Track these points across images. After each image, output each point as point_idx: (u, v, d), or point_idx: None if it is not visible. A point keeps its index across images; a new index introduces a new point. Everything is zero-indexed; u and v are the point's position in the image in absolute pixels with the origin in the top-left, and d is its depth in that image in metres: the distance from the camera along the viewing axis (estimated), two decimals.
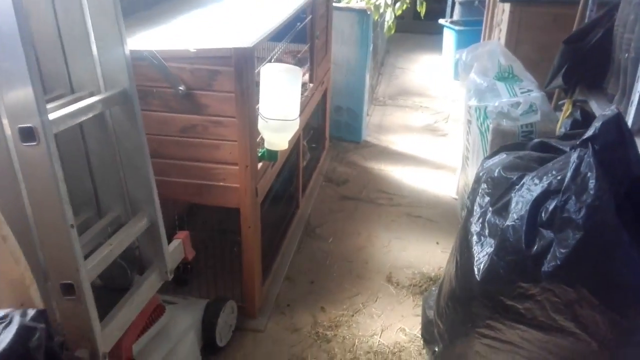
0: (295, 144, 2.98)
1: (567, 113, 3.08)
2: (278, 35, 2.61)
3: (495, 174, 1.88)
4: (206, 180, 2.25)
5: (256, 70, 2.21)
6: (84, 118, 1.54)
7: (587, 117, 2.84)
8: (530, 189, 1.68)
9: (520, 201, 1.68)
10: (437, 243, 3.08)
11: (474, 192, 1.96)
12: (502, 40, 4.03)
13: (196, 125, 2.17)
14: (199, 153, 2.21)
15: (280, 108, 2.19)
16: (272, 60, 2.59)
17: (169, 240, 2.00)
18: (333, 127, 4.25)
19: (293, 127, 2.27)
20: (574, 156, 1.59)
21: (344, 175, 3.81)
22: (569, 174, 1.57)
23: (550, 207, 1.59)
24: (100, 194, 1.83)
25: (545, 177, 1.67)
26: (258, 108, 2.21)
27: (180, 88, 2.08)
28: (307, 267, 2.88)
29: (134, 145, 1.74)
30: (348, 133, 4.33)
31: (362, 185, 3.69)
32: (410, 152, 4.20)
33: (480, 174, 1.97)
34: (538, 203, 1.63)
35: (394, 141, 4.37)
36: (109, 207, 1.85)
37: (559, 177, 1.62)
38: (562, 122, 3.00)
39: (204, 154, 2.21)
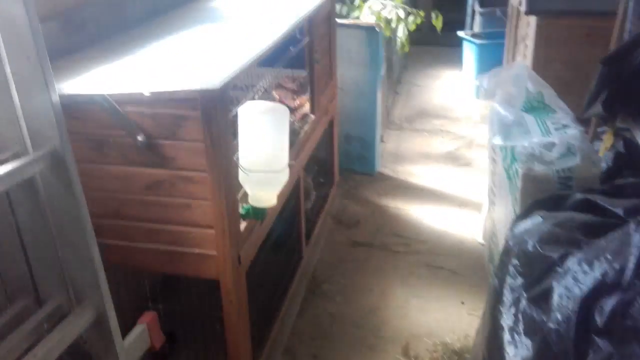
0: (295, 185, 2.59)
1: (609, 144, 2.67)
2: (269, 60, 2.24)
3: (530, 248, 1.46)
4: (177, 246, 1.87)
5: (233, 112, 1.84)
6: None
7: (632, 149, 2.44)
8: (577, 278, 1.26)
9: (565, 295, 1.26)
10: (463, 303, 2.64)
11: (502, 267, 1.55)
12: (529, 57, 3.63)
13: (162, 181, 1.79)
14: (167, 214, 1.84)
15: (263, 157, 1.82)
16: (261, 92, 2.22)
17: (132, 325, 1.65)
18: (343, 158, 3.79)
19: (281, 179, 1.90)
20: (636, 238, 1.18)
21: (356, 216, 3.40)
22: (631, 263, 1.16)
23: (607, 309, 1.18)
24: (38, 277, 1.48)
25: (597, 262, 1.25)
26: (237, 157, 1.84)
27: (138, 138, 1.71)
28: (309, 335, 2.48)
29: (70, 218, 1.39)
30: (360, 164, 3.91)
31: (375, 228, 3.27)
32: (430, 186, 3.76)
33: (511, 244, 1.55)
34: (590, 300, 1.22)
35: (412, 172, 3.94)
36: (49, 294, 1.50)
37: (616, 266, 1.20)
38: (602, 153, 2.60)
39: (173, 215, 1.83)
